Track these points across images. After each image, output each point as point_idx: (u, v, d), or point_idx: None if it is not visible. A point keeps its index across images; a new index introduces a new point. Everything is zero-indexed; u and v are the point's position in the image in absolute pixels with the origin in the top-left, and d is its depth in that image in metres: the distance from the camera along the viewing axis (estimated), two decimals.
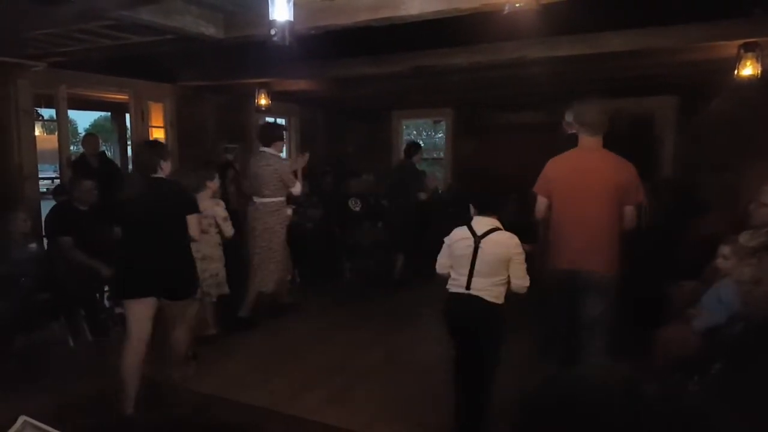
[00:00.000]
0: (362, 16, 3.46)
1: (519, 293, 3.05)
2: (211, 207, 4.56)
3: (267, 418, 3.50)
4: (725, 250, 3.36)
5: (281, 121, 9.36)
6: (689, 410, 2.02)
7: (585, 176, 3.40)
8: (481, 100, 8.56)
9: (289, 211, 5.42)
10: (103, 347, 4.67)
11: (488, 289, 3.00)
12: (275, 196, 5.23)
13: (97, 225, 4.99)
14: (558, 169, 3.53)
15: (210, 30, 3.83)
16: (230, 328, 5.02)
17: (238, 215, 6.26)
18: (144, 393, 3.49)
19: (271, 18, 2.52)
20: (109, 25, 3.77)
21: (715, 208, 4.95)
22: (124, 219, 3.57)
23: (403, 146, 7.41)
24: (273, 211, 5.23)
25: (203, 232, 4.23)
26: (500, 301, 3.03)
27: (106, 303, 5.18)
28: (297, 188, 5.35)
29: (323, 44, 4.10)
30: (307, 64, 5.78)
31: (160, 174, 3.58)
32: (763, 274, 2.42)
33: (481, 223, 3.07)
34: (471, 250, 3.01)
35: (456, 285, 3.08)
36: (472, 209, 3.15)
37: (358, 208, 7.40)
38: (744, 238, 3.36)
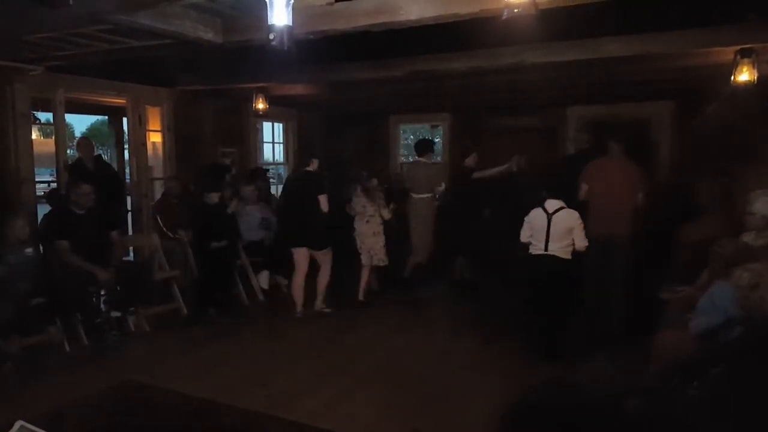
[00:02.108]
0: (361, 21, 3.47)
1: (581, 250, 4.39)
2: (374, 198, 6.10)
3: (264, 423, 3.47)
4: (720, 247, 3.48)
5: (279, 125, 9.37)
6: (687, 416, 2.01)
7: (613, 174, 5.03)
8: (479, 104, 8.57)
9: (437, 203, 6.67)
10: (100, 352, 4.66)
11: (560, 249, 4.34)
12: (426, 193, 6.57)
13: (94, 229, 4.98)
14: (596, 168, 5.13)
15: (208, 34, 3.84)
16: (394, 287, 6.55)
17: (235, 217, 6.29)
18: (140, 398, 3.47)
19: (269, 23, 2.52)
20: (108, 29, 3.77)
21: (710, 212, 4.97)
22: (286, 196, 6.08)
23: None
24: (425, 204, 6.58)
25: (371, 215, 6.03)
26: (569, 257, 4.36)
27: (103, 307, 5.16)
28: (441, 187, 6.68)
29: (322, 49, 4.10)
30: (306, 69, 5.79)
31: (310, 168, 5.63)
32: (760, 280, 2.43)
33: (552, 204, 4.39)
34: (545, 223, 4.34)
35: (537, 249, 4.41)
36: (545, 193, 4.47)
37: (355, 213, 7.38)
38: (749, 238, 3.37)
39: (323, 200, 5.46)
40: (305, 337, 5.12)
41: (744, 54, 4.62)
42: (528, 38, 4.38)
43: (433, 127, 11.68)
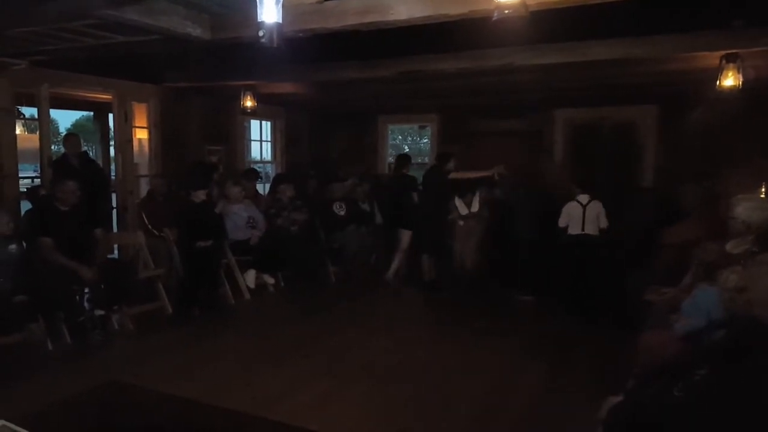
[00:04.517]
0: (350, 20, 3.46)
1: (604, 229, 5.76)
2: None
3: (250, 424, 3.46)
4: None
5: (266, 123, 9.33)
6: (670, 417, 2.04)
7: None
8: (467, 106, 8.60)
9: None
10: (83, 350, 4.60)
11: (592, 230, 5.74)
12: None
13: (78, 226, 4.92)
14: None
15: (196, 31, 3.81)
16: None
17: (221, 216, 6.26)
18: (124, 398, 3.43)
19: (259, 19, 2.51)
20: (94, 24, 3.73)
21: (694, 216, 5.02)
22: (389, 192, 7.42)
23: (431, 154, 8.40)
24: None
25: None
26: (597, 234, 5.75)
27: (86, 305, 5.09)
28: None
29: (310, 47, 4.09)
30: (294, 67, 5.77)
31: (404, 171, 7.16)
32: (747, 282, 2.45)
33: (583, 197, 5.79)
34: (581, 211, 5.76)
35: (576, 231, 5.76)
36: (578, 190, 5.85)
37: (342, 212, 7.38)
38: (730, 245, 3.44)
39: (415, 195, 6.99)
40: (291, 336, 5.09)
41: (729, 59, 4.68)
42: (516, 40, 4.41)
43: (421, 127, 11.71)
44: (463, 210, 6.66)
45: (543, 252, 6.05)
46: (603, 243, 5.77)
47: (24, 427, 1.98)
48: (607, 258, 5.78)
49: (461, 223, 6.63)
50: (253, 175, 7.65)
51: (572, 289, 5.72)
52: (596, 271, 5.62)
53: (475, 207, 6.65)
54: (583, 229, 5.74)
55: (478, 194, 6.66)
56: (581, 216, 5.73)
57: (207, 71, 6.29)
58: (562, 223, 5.82)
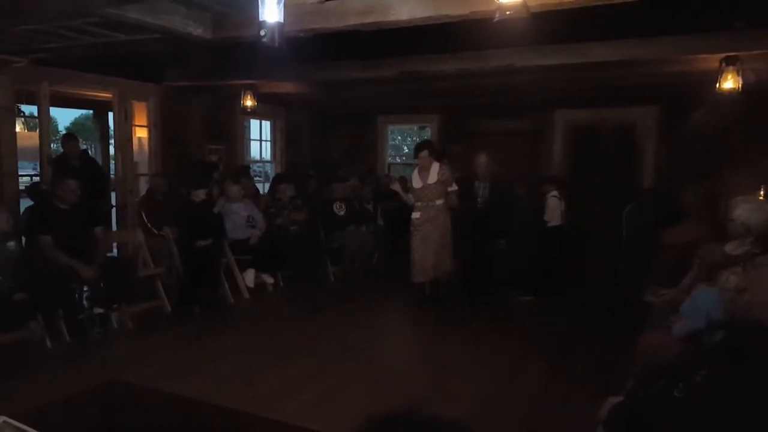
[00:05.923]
0: (352, 20, 3.46)
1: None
2: None
3: (250, 423, 3.45)
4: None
5: (266, 123, 9.33)
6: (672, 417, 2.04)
7: None
8: (467, 106, 8.61)
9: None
10: (82, 349, 4.60)
11: (564, 221, 6.34)
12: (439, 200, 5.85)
13: (78, 224, 4.92)
14: None
15: (198, 30, 3.81)
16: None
17: (221, 215, 6.26)
18: (124, 397, 3.43)
19: (261, 19, 2.51)
20: (96, 23, 3.73)
21: (694, 217, 5.03)
22: None
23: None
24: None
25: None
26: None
27: (85, 303, 5.09)
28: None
29: (311, 47, 4.09)
30: (295, 67, 5.77)
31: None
32: (747, 283, 2.46)
33: (556, 192, 6.34)
34: (560, 205, 6.29)
35: (555, 222, 6.28)
36: (552, 186, 6.47)
37: (342, 212, 7.39)
38: (729, 247, 3.45)
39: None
40: (291, 336, 5.09)
41: (729, 62, 4.69)
42: (517, 41, 4.42)
43: (421, 128, 11.72)
44: (416, 182, 5.75)
45: (542, 250, 6.10)
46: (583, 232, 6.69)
47: (25, 424, 1.97)
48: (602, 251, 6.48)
49: (417, 215, 5.78)
50: (246, 171, 7.65)
51: (570, 278, 6.28)
52: (591, 255, 6.52)
53: (433, 178, 5.67)
54: (561, 220, 6.35)
55: (440, 166, 5.72)
56: (561, 208, 6.34)
57: (207, 70, 6.29)
58: (548, 216, 6.33)
